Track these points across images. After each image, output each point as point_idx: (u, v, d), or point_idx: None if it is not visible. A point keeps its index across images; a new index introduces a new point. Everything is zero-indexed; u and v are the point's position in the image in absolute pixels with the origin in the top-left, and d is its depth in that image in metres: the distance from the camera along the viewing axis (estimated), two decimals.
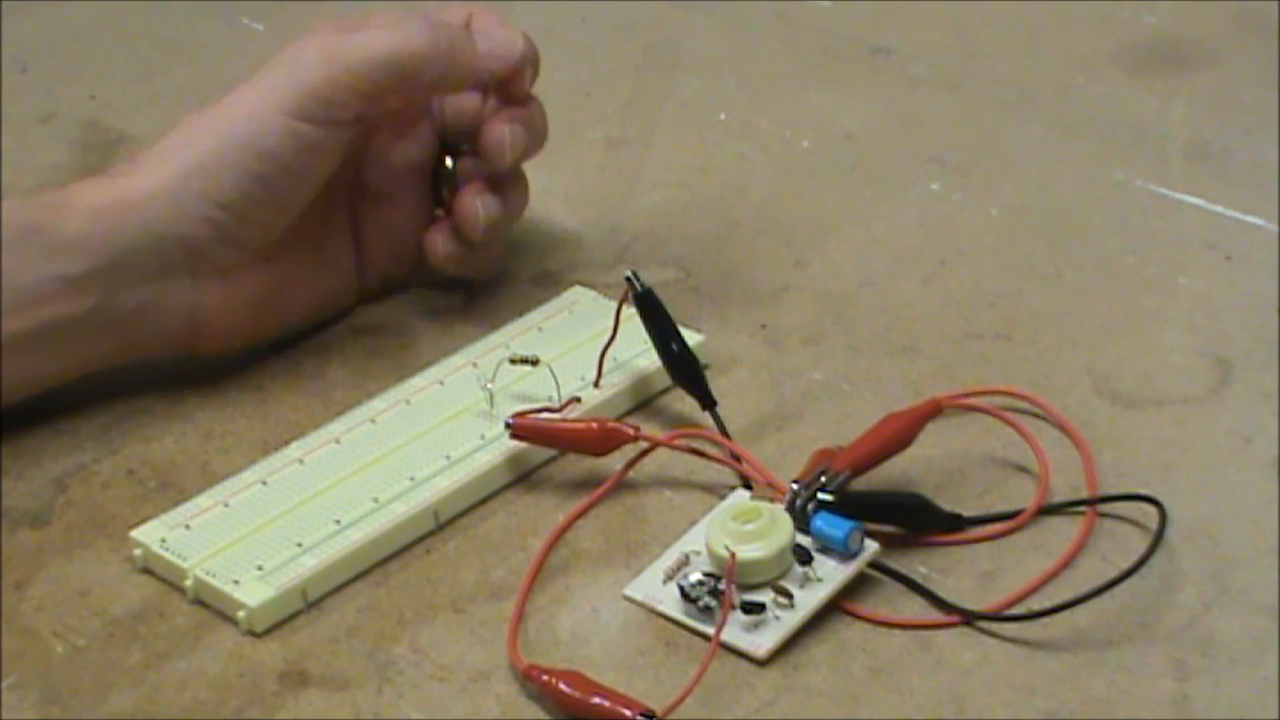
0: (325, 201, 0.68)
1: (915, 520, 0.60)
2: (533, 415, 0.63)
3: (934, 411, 0.62)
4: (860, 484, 0.60)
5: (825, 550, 0.58)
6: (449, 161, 0.71)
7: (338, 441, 0.64)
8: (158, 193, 0.64)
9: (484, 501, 0.62)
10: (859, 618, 0.57)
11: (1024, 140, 0.82)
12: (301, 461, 0.63)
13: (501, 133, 0.68)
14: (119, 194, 0.64)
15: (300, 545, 0.59)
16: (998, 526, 0.60)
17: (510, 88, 0.69)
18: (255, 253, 0.67)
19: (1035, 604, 0.57)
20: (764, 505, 0.58)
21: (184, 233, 0.65)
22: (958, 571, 0.59)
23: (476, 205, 0.69)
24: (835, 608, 0.57)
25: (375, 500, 0.61)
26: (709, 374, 0.66)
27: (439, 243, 0.70)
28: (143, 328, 0.66)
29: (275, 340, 0.69)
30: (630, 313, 0.65)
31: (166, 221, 0.64)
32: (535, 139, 0.70)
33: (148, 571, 0.60)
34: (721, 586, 0.56)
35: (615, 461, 0.63)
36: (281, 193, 0.66)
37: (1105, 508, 0.60)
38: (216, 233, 0.65)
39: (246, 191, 0.65)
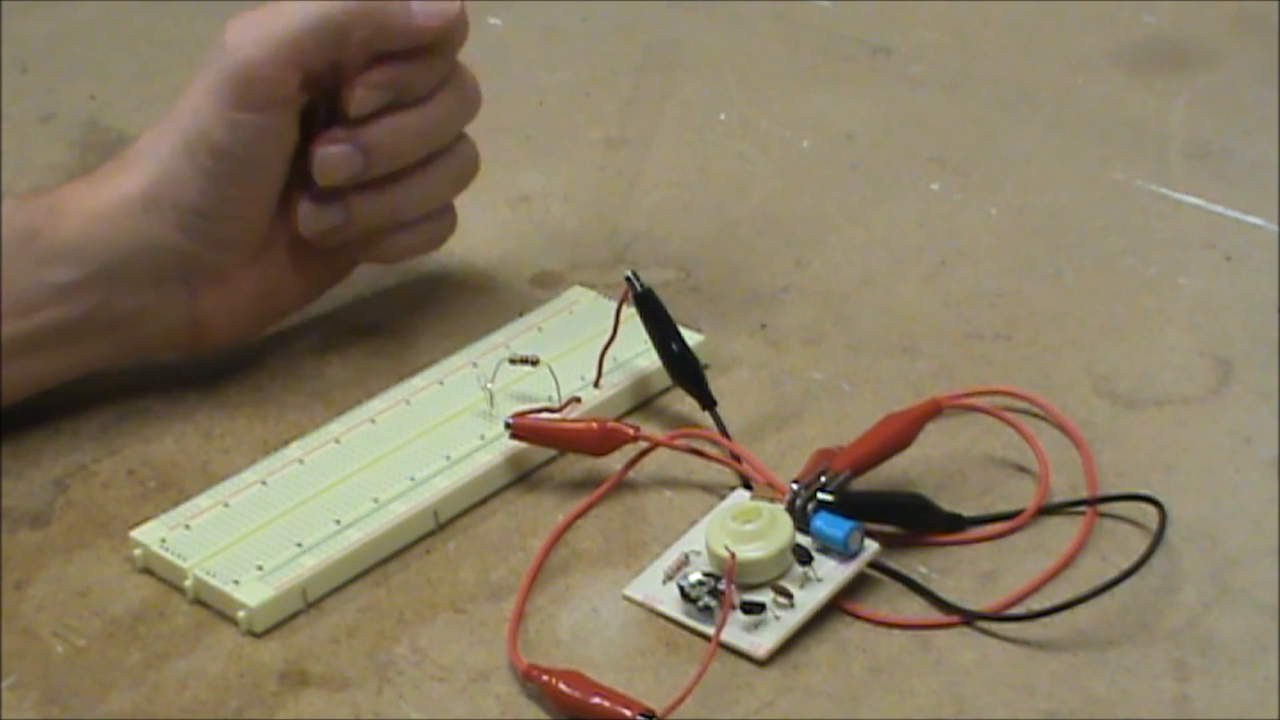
0: None
1: (915, 520, 0.60)
2: (533, 415, 0.63)
3: (934, 411, 0.62)
4: (860, 484, 0.60)
5: (825, 550, 0.58)
6: None
7: (338, 441, 0.64)
8: (134, 203, 0.64)
9: (484, 501, 0.62)
10: (859, 618, 0.57)
11: (1024, 140, 0.82)
12: (301, 461, 0.63)
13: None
14: (109, 198, 0.64)
15: (300, 545, 0.59)
16: (998, 526, 0.60)
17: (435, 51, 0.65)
18: (245, 249, 0.66)
19: (1035, 604, 0.57)
20: (764, 505, 0.58)
21: (169, 241, 0.64)
22: (958, 571, 0.59)
23: (329, 153, 0.66)
24: (835, 608, 0.57)
25: (375, 500, 0.61)
26: (709, 374, 0.66)
27: (301, 212, 0.67)
28: (141, 330, 0.65)
29: (277, 324, 0.69)
30: (630, 313, 0.65)
31: (150, 230, 0.64)
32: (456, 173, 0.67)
33: (148, 571, 0.60)
34: (721, 586, 0.56)
35: (615, 461, 0.63)
36: (248, 185, 0.65)
37: (1105, 508, 0.60)
38: (199, 237, 0.64)
39: (212, 192, 0.64)
